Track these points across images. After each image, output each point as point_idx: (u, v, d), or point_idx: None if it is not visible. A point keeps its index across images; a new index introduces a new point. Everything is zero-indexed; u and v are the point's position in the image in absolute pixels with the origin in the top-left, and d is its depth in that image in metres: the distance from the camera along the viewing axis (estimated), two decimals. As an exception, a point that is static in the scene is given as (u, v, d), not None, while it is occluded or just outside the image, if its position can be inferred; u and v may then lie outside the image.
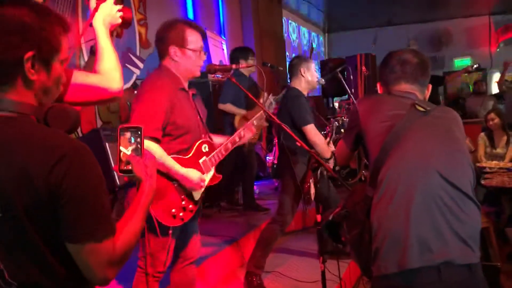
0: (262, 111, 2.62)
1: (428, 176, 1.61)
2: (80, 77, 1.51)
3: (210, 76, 4.95)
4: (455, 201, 1.60)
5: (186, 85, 2.33)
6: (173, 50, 2.27)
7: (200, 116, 2.36)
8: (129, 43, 4.86)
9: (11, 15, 1.07)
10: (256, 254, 3.38)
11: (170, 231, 2.17)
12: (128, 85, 4.60)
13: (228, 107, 4.56)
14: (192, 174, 2.21)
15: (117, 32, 1.73)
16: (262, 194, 5.75)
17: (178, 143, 2.23)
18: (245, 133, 2.51)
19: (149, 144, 2.03)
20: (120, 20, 1.71)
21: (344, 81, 3.94)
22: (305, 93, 3.51)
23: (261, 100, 4.73)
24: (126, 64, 4.68)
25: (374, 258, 1.64)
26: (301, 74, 3.47)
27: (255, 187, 6.06)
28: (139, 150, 1.31)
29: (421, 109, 1.70)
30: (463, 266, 1.57)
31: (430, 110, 1.71)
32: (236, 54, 4.66)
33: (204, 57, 2.37)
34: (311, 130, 3.30)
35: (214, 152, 2.35)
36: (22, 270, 1.08)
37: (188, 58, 2.29)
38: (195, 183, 2.21)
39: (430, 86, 1.90)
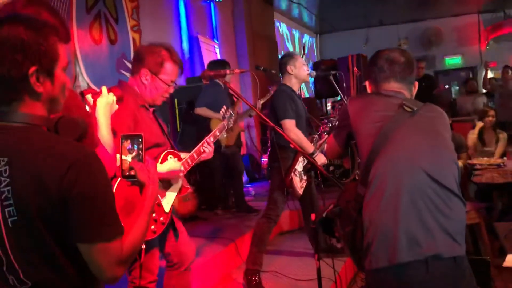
0: (222, 123, 2.66)
1: (414, 175, 1.69)
2: (103, 150, 1.64)
3: (204, 82, 5.02)
4: (441, 198, 1.68)
5: (146, 104, 2.31)
6: (144, 73, 2.26)
7: (163, 131, 2.37)
8: (123, 49, 4.91)
9: (10, 34, 1.14)
10: (252, 251, 3.45)
11: (143, 246, 2.04)
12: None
13: (204, 110, 4.66)
14: (173, 165, 2.22)
15: None
16: (258, 195, 5.81)
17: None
18: (205, 148, 2.47)
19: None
20: (117, 107, 1.82)
21: (336, 85, 4.02)
22: (296, 88, 3.60)
23: (235, 109, 4.87)
24: (121, 70, 4.73)
25: (366, 253, 1.72)
26: (289, 72, 3.56)
27: (251, 188, 6.16)
28: (141, 156, 1.38)
29: (409, 109, 1.79)
30: (449, 258, 1.65)
31: (417, 110, 1.79)
32: (214, 67, 4.67)
33: (172, 91, 2.35)
34: (286, 125, 3.36)
35: (180, 163, 2.33)
36: (36, 270, 1.15)
37: (156, 87, 2.27)
38: (178, 170, 2.22)
39: (417, 84, 1.98)
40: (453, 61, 11.95)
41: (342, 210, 1.84)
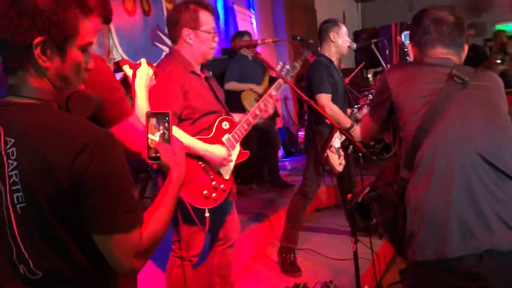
0: (280, 80, 2.51)
1: (468, 157, 1.51)
2: (137, 121, 1.55)
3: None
4: (495, 183, 1.50)
5: (198, 68, 2.29)
6: (186, 32, 2.23)
7: (217, 97, 2.32)
8: (157, 20, 4.81)
9: None
10: (286, 228, 3.37)
11: (207, 214, 2.15)
12: (157, 63, 4.59)
13: (233, 84, 4.59)
14: (217, 150, 2.20)
15: None
16: (294, 170, 5.69)
17: (198, 125, 2.20)
18: (266, 104, 2.43)
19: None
20: (155, 82, 1.74)
21: (378, 54, 3.77)
22: (334, 58, 3.38)
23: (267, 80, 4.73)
24: (155, 42, 4.65)
25: (409, 242, 1.57)
26: (331, 40, 3.34)
27: (287, 163, 6.04)
28: (167, 136, 1.27)
29: (459, 80, 1.58)
30: (506, 252, 1.48)
31: (469, 80, 1.59)
32: (237, 39, 4.58)
33: (217, 39, 2.32)
34: (321, 99, 3.18)
35: (236, 128, 2.32)
36: (46, 260, 1.07)
37: (202, 41, 2.25)
38: (222, 158, 2.20)
39: (467, 47, 1.76)
40: (505, 28, 11.20)
41: (380, 195, 1.68)
